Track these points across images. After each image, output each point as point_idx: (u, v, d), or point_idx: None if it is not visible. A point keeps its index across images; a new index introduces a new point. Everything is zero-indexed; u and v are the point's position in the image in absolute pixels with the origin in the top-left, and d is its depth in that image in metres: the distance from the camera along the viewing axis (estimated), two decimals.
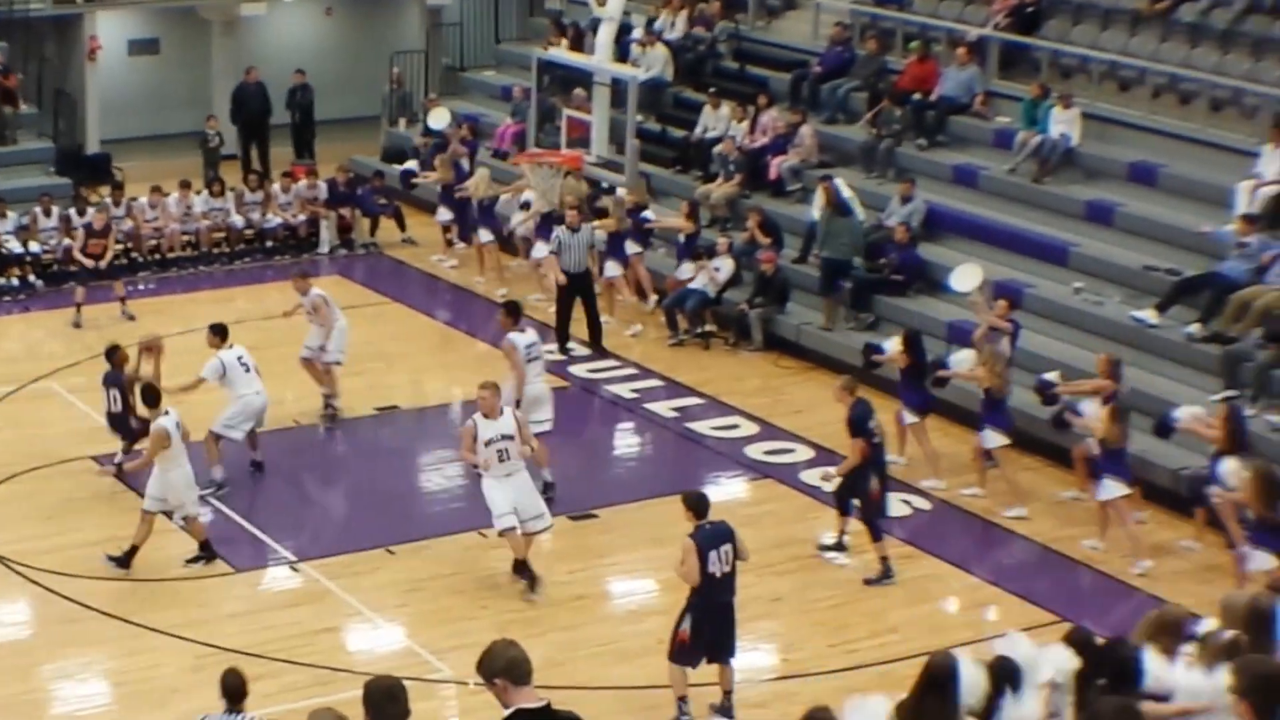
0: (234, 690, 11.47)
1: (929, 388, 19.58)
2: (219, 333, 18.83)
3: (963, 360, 19.35)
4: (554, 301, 23.28)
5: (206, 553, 17.18)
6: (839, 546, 17.61)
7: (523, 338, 18.77)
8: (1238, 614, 9.53)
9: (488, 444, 16.32)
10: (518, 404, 18.00)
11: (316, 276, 22.79)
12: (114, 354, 18.89)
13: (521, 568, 16.55)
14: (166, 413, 16.94)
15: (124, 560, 16.92)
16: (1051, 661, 9.54)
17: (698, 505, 14.34)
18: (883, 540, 17.19)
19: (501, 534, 16.57)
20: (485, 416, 16.39)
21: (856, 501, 17.30)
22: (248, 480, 19.24)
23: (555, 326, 23.05)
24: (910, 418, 19.34)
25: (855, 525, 17.41)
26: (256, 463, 19.26)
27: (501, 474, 16.40)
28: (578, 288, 22.94)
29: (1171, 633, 10.01)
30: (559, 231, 23.20)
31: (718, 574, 14.10)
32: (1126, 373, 18.54)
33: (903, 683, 14.35)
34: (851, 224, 23.31)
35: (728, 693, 14.54)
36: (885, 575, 17.06)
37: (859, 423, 17.07)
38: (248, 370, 18.71)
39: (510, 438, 16.34)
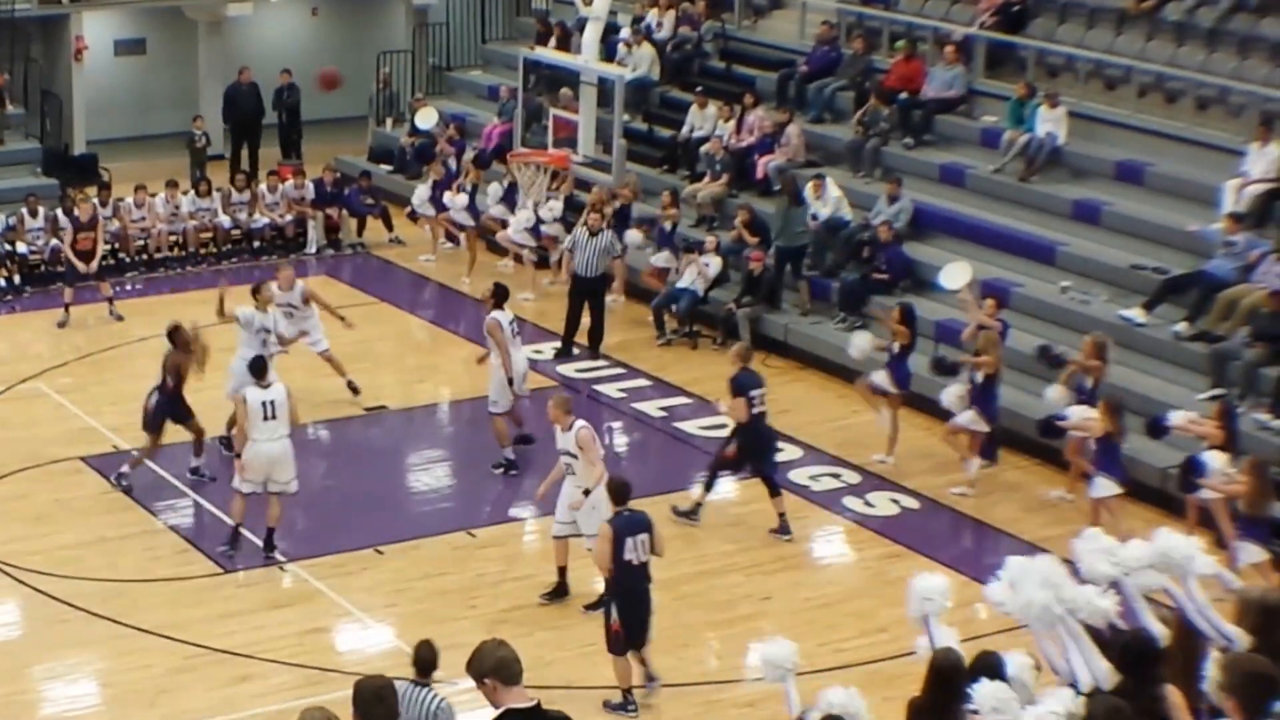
0: (426, 663, 11.23)
1: (910, 367, 19.92)
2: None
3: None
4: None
5: (232, 541, 17.36)
6: (783, 530, 17.92)
7: (504, 315, 19.17)
8: (1249, 611, 9.41)
9: (560, 454, 16.37)
10: (510, 381, 18.99)
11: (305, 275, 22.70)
12: (175, 334, 18.90)
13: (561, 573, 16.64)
14: (269, 385, 17.21)
15: (268, 545, 17.37)
16: (1057, 699, 9.42)
17: (619, 492, 14.68)
18: (710, 492, 18.13)
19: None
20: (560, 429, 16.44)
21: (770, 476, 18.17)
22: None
23: (564, 329, 23.07)
24: (890, 389, 19.68)
25: (791, 503, 17.92)
26: None
27: (570, 485, 16.35)
28: (587, 291, 22.95)
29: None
30: (576, 231, 23.33)
31: (634, 561, 14.42)
32: (1114, 371, 18.60)
33: (892, 682, 14.44)
34: (804, 213, 23.79)
35: (643, 662, 14.90)
36: (689, 514, 18.01)
37: (742, 386, 17.86)
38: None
39: (573, 455, 16.16)
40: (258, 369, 17.33)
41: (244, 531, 17.38)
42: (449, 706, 10.85)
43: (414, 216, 27.45)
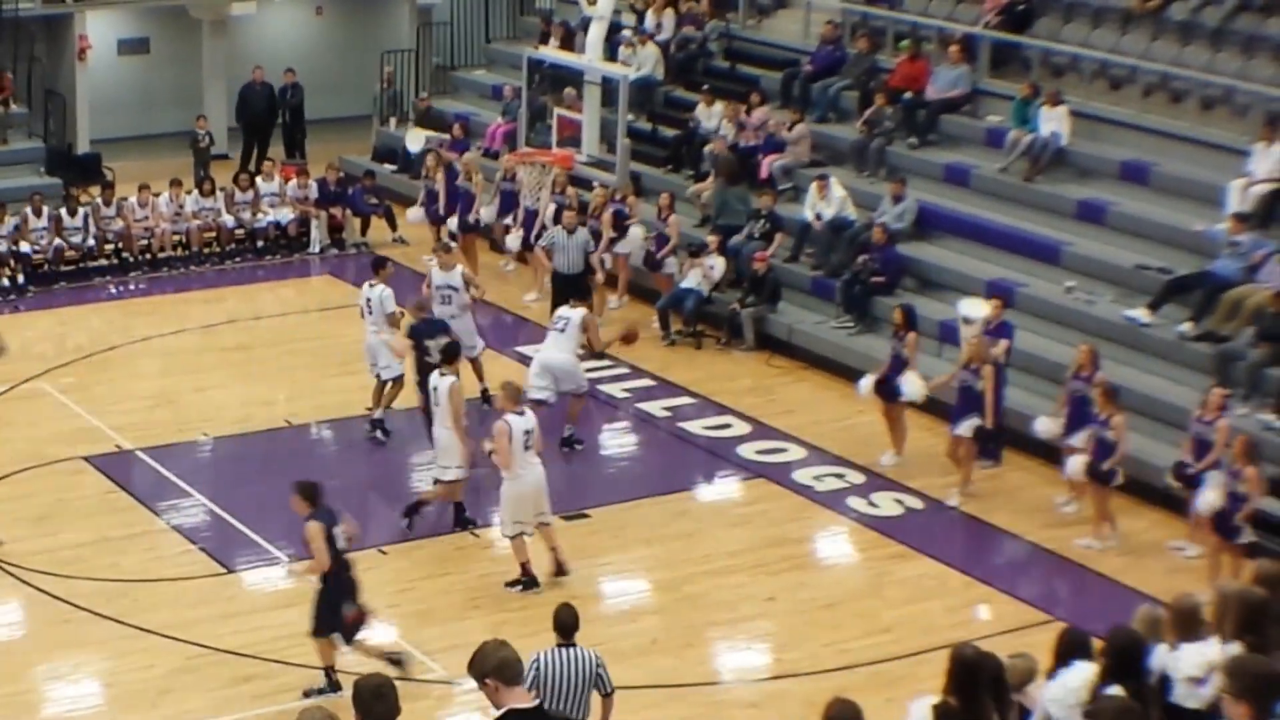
0: (567, 625, 11.86)
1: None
2: None
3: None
4: (548, 299, 23.41)
5: (459, 517, 17.91)
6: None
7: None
8: (1230, 609, 9.32)
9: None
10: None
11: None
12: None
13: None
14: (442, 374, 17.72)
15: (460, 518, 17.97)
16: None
17: (311, 493, 14.88)
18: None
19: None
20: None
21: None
22: (239, 481, 19.27)
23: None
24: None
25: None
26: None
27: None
28: (571, 288, 22.93)
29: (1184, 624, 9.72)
30: (554, 231, 23.29)
31: (342, 548, 14.74)
32: (1119, 372, 18.57)
33: (895, 683, 14.45)
34: (742, 192, 24.35)
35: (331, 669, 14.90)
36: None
37: (416, 333, 19.29)
38: None
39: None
40: (450, 355, 18.06)
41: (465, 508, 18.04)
42: (602, 659, 11.70)
43: (454, 239, 27.12)
